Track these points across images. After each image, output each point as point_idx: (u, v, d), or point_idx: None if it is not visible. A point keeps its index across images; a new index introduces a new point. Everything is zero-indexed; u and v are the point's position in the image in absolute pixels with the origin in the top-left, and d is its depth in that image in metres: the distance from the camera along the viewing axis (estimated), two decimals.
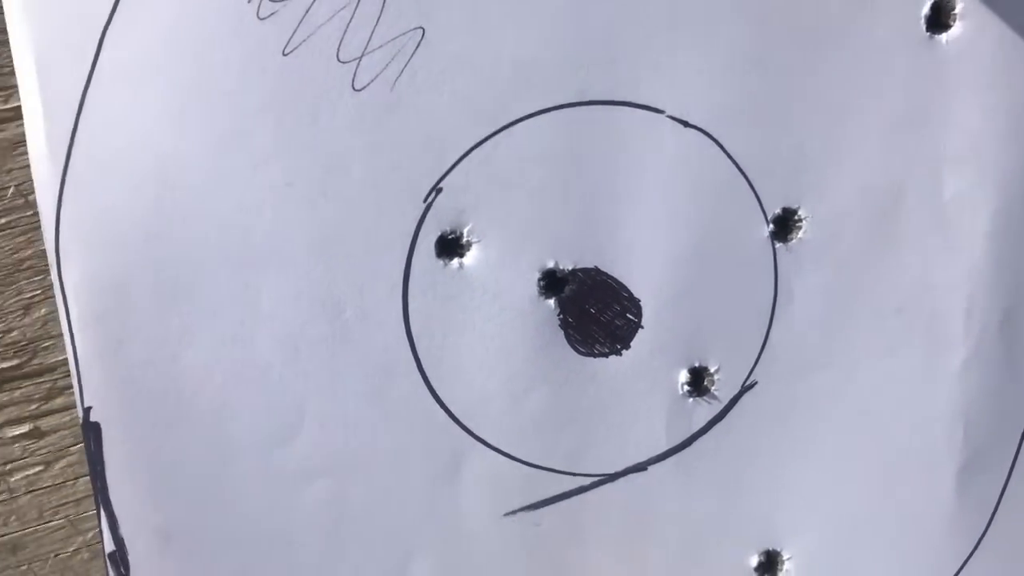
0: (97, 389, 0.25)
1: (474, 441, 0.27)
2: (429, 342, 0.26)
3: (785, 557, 0.30)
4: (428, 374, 0.26)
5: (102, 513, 0.27)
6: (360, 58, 0.23)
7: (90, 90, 0.22)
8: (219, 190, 0.23)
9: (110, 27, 0.22)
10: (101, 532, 0.28)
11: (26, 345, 0.29)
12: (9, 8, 0.22)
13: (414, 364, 0.26)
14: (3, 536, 0.31)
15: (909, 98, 0.26)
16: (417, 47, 0.23)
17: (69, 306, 0.24)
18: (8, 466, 0.30)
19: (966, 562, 0.30)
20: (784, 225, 0.27)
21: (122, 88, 0.22)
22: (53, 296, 0.29)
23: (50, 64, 0.22)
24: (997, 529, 0.30)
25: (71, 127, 0.23)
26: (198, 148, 0.23)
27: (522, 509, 0.28)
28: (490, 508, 0.28)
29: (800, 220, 0.27)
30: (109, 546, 0.27)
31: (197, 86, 0.22)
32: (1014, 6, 0.26)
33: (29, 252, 0.28)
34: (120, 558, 0.27)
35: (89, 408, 0.25)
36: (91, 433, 0.26)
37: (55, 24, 0.22)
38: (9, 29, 0.23)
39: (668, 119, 0.25)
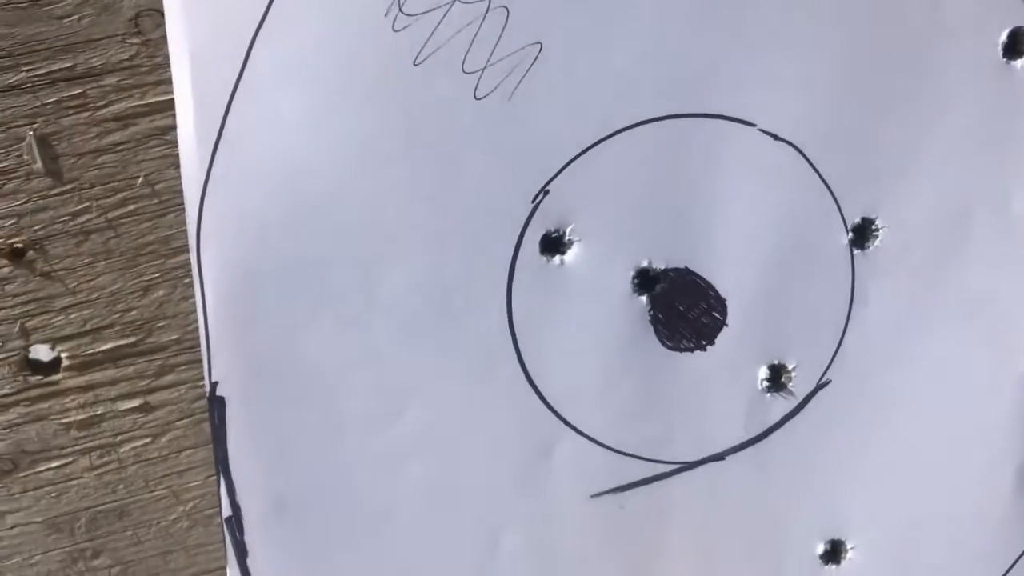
0: (224, 365, 0.27)
1: (565, 427, 0.29)
2: (529, 333, 0.28)
3: (849, 547, 0.32)
4: (526, 363, 0.28)
5: (222, 480, 0.29)
6: (483, 69, 0.25)
7: (239, 88, 0.25)
8: (348, 188, 0.26)
9: (260, 31, 0.24)
10: (220, 499, 0.30)
11: (142, 324, 0.31)
12: (169, 9, 0.24)
13: (514, 353, 0.28)
14: (111, 503, 0.33)
15: (984, 120, 0.28)
16: (534, 61, 0.25)
17: (205, 288, 0.26)
18: (119, 437, 0.33)
19: (1020, 557, 0.32)
20: (862, 234, 0.29)
21: (268, 88, 0.25)
22: (170, 280, 0.31)
23: (204, 62, 0.24)
24: None
25: (219, 122, 0.25)
26: (332, 148, 0.25)
27: (608, 492, 0.30)
28: (578, 490, 0.30)
29: (877, 229, 0.29)
30: (227, 511, 0.29)
31: (335, 90, 0.25)
32: None
33: (152, 238, 0.30)
34: (236, 522, 0.29)
35: (216, 383, 0.27)
36: (216, 406, 0.28)
37: (211, 25, 0.24)
38: (168, 28, 0.25)
39: (759, 132, 0.27)
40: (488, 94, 0.26)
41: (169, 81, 0.27)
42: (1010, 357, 0.30)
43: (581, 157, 0.27)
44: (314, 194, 0.25)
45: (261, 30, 0.24)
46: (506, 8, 0.25)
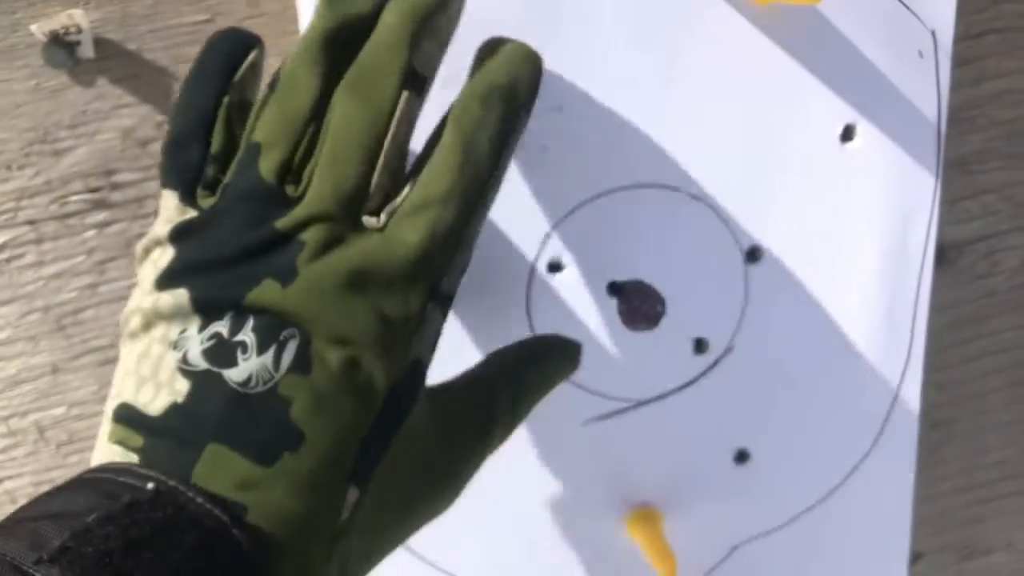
0: None
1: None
2: (539, 316, 0.40)
3: (751, 453, 0.43)
4: (536, 333, 0.40)
5: None
6: (514, 156, 0.39)
7: None
8: None
9: None
10: None
11: None
12: None
13: (530, 331, 0.40)
14: None
15: (827, 178, 0.40)
16: (542, 157, 0.39)
17: None
18: None
19: (863, 459, 0.45)
20: (752, 254, 0.40)
21: None
22: None
23: None
24: (882, 443, 0.45)
25: None
26: None
27: (592, 420, 0.42)
28: (573, 420, 0.41)
29: (761, 251, 0.40)
30: None
31: None
32: (897, 129, 0.40)
33: None
34: None
35: None
36: None
37: None
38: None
39: (685, 195, 0.39)
40: (514, 176, 0.38)
41: None
42: (848, 327, 0.42)
43: (572, 214, 0.39)
44: None
45: None
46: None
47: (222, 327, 0.28)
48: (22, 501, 0.43)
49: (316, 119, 0.29)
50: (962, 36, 0.43)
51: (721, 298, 0.41)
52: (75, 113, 0.39)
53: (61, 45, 0.38)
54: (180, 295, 0.28)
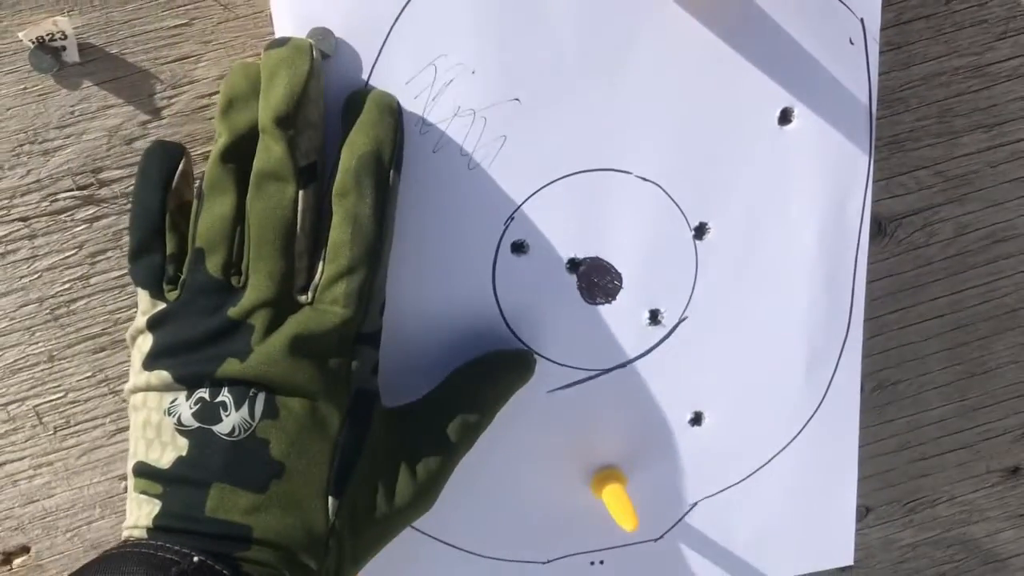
0: None
1: (530, 350, 0.43)
2: (506, 298, 0.42)
3: (706, 415, 0.46)
4: (505, 316, 0.43)
5: None
6: (472, 152, 0.40)
7: None
8: (404, 220, 0.41)
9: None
10: None
11: None
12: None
13: (498, 311, 0.43)
14: None
15: (767, 159, 0.42)
16: (501, 147, 0.40)
17: None
18: None
19: (810, 418, 0.48)
20: (700, 231, 0.43)
21: None
22: None
23: None
24: (826, 404, 0.48)
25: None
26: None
27: (558, 388, 0.44)
28: (540, 388, 0.44)
29: (709, 228, 0.43)
30: None
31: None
32: (831, 111, 0.42)
33: None
34: None
35: None
36: None
37: None
38: None
39: (635, 177, 0.42)
40: (476, 166, 0.40)
41: None
42: (791, 297, 0.45)
43: (531, 198, 0.41)
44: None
45: None
46: (484, 118, 0.40)
47: (204, 393, 0.36)
48: (22, 483, 0.46)
49: (239, 218, 0.36)
50: (892, 22, 0.46)
51: (673, 272, 0.44)
52: (62, 114, 0.42)
53: (47, 50, 0.41)
54: (164, 375, 0.36)
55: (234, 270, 0.36)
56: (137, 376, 0.37)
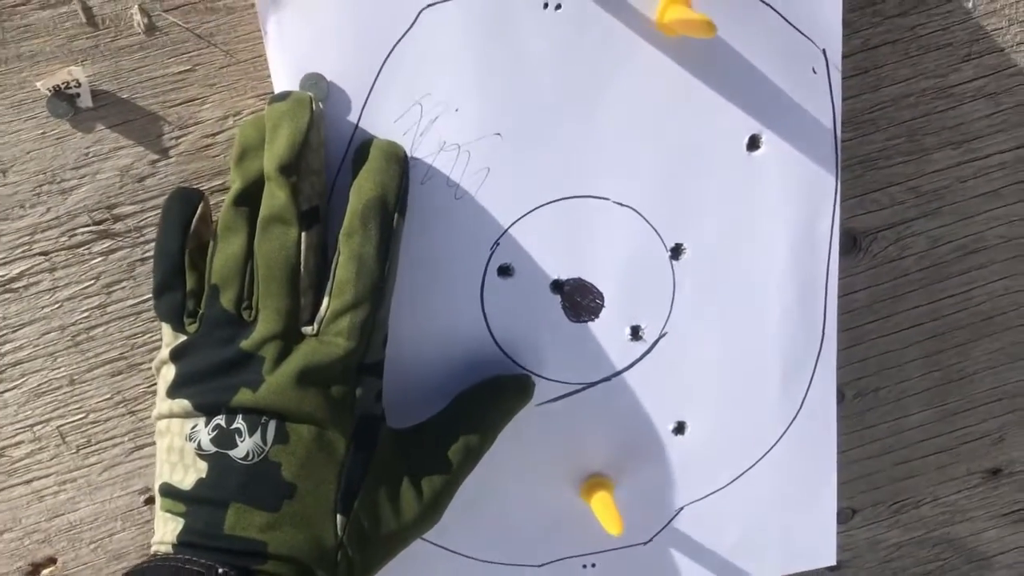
0: None
1: (517, 367, 0.46)
2: (495, 318, 0.45)
3: (688, 425, 0.48)
4: (494, 334, 0.45)
5: None
6: (458, 184, 0.42)
7: (332, 197, 0.44)
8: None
9: (339, 175, 0.43)
10: None
11: None
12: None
13: (487, 330, 0.45)
14: None
15: (737, 184, 0.44)
16: (485, 178, 0.42)
17: None
18: None
19: (790, 425, 0.50)
20: (676, 251, 0.45)
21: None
22: None
23: None
24: (804, 411, 0.50)
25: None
26: None
27: (546, 402, 0.47)
28: (529, 403, 0.46)
29: (684, 248, 0.45)
30: None
31: None
32: (799, 136, 0.45)
33: None
34: None
35: None
36: None
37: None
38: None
39: (612, 203, 0.44)
40: (462, 196, 0.43)
41: None
42: (766, 312, 0.47)
43: (514, 225, 0.44)
44: None
45: (341, 169, 0.43)
46: (468, 152, 0.43)
47: (220, 420, 0.39)
48: (48, 498, 0.49)
49: (250, 257, 0.39)
50: (860, 48, 0.49)
51: (652, 290, 0.47)
52: (78, 156, 0.45)
53: (63, 98, 0.44)
54: (185, 403, 0.39)
55: (245, 304, 0.39)
56: (162, 404, 0.40)
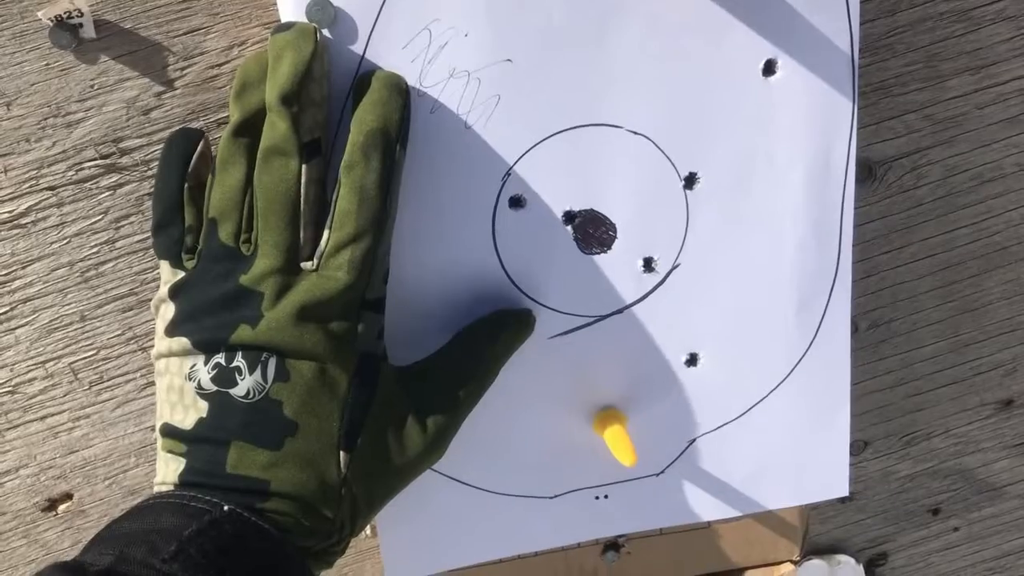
0: None
1: (531, 300, 0.46)
2: (505, 248, 0.45)
3: (701, 356, 0.48)
4: (505, 266, 0.45)
5: None
6: (468, 112, 0.42)
7: (340, 127, 0.43)
8: (404, 179, 0.42)
9: (347, 105, 0.42)
10: None
11: None
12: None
13: (498, 262, 0.45)
14: None
15: (753, 110, 0.44)
16: (496, 106, 0.42)
17: None
18: None
19: (803, 357, 0.50)
20: (690, 180, 0.45)
21: None
22: None
23: None
24: (818, 342, 0.50)
25: (330, 145, 0.43)
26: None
27: (558, 335, 0.47)
28: (540, 335, 0.46)
29: (698, 177, 0.45)
30: None
31: None
32: (815, 61, 0.44)
33: None
34: None
35: None
36: None
37: None
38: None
39: (626, 131, 0.44)
40: (473, 124, 0.42)
41: None
42: (780, 242, 0.46)
43: (526, 155, 0.43)
44: None
45: (349, 97, 0.42)
46: (479, 79, 0.42)
47: (220, 359, 0.38)
48: (63, 435, 0.49)
49: (249, 189, 0.38)
50: None
51: (665, 221, 0.46)
52: (83, 88, 0.44)
53: (65, 28, 0.43)
54: (183, 341, 0.38)
55: (244, 238, 0.39)
56: (160, 343, 0.40)
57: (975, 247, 0.55)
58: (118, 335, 0.49)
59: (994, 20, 0.49)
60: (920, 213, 0.53)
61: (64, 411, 0.50)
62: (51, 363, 0.49)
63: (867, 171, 0.52)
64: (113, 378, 0.50)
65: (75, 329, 0.48)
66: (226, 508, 0.36)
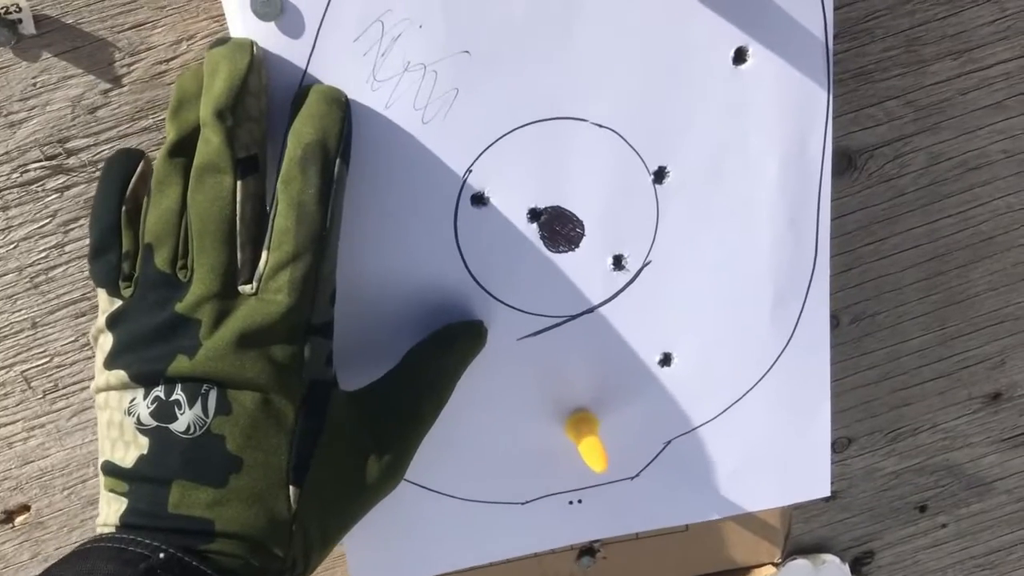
0: None
1: (496, 301, 0.44)
2: (469, 250, 0.43)
3: (675, 356, 0.47)
4: (469, 266, 0.43)
5: None
6: (425, 106, 0.41)
7: None
8: (360, 169, 0.42)
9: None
10: None
11: None
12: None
13: (461, 262, 0.43)
14: None
15: (723, 102, 0.42)
16: (454, 100, 0.40)
17: None
18: None
19: (779, 356, 0.49)
20: (660, 175, 0.43)
21: None
22: None
23: None
24: (796, 338, 0.49)
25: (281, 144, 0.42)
26: (352, 157, 0.41)
27: (526, 336, 0.45)
28: (508, 337, 0.45)
29: (668, 171, 0.43)
30: None
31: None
32: (788, 48, 0.42)
33: None
34: None
35: None
36: None
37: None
38: None
39: (591, 124, 0.42)
40: (430, 120, 0.41)
41: None
42: (755, 236, 0.45)
43: (487, 150, 0.41)
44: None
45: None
46: (435, 72, 0.41)
47: (159, 392, 0.36)
48: (17, 446, 0.47)
49: (185, 212, 0.36)
50: None
51: (634, 217, 0.44)
52: (25, 87, 0.42)
53: (3, 24, 0.41)
54: (121, 375, 0.36)
55: (181, 264, 0.37)
56: (99, 376, 0.38)
57: (961, 237, 0.53)
58: (72, 341, 0.47)
59: (976, 2, 0.47)
60: (903, 203, 0.52)
61: (18, 420, 0.48)
62: (2, 371, 0.47)
63: (847, 161, 0.50)
64: (68, 386, 0.48)
65: (26, 336, 0.47)
66: (163, 555, 0.34)
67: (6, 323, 0.46)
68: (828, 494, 0.52)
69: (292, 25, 0.39)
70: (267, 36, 0.39)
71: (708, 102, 0.43)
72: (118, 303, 0.37)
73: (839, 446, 0.57)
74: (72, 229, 0.45)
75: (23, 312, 0.46)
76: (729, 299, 0.47)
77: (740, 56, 0.42)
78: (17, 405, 0.48)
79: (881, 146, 0.50)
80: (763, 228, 0.46)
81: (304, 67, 0.39)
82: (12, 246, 0.45)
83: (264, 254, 0.36)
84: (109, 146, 0.44)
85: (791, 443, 0.51)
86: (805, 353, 0.48)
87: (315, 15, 0.39)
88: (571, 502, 0.50)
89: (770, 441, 0.50)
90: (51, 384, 0.48)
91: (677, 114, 0.43)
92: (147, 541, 0.35)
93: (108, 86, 0.43)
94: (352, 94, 0.40)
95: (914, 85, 0.49)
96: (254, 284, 0.37)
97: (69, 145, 0.44)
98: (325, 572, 0.56)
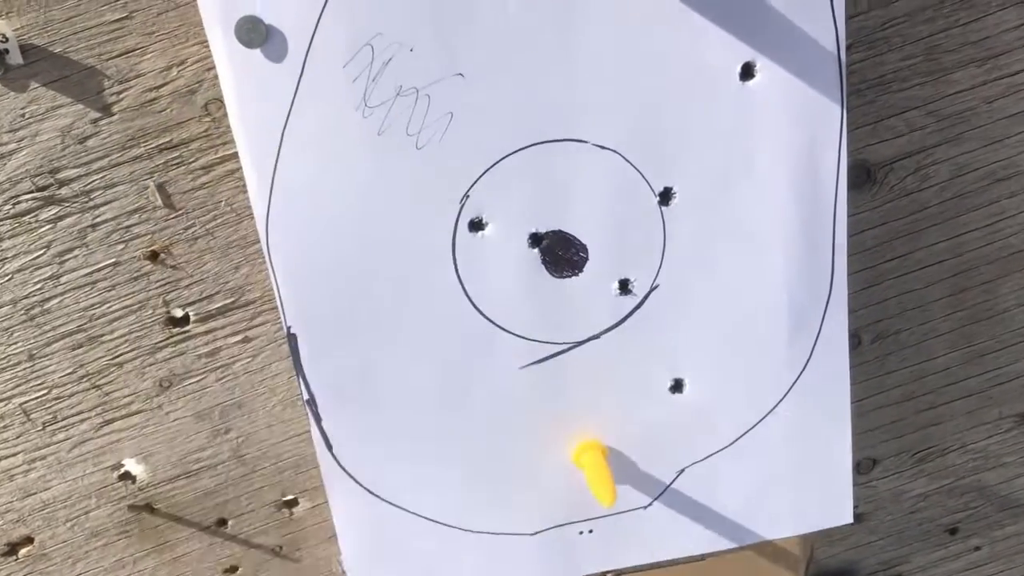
0: (293, 313, 0.41)
1: (498, 329, 0.43)
2: (468, 277, 0.42)
3: (687, 382, 0.45)
4: (469, 294, 0.42)
5: (300, 379, 0.45)
6: (419, 132, 0.40)
7: (281, 149, 0.40)
8: (346, 202, 0.41)
9: (288, 121, 0.40)
10: (300, 387, 0.44)
11: (237, 289, 0.47)
12: (228, 99, 0.38)
13: (462, 291, 0.42)
14: (232, 399, 0.48)
15: (731, 117, 0.40)
16: (449, 125, 0.40)
17: (274, 264, 0.41)
18: (232, 359, 0.47)
19: (796, 381, 0.47)
20: (665, 197, 0.42)
21: (296, 152, 0.40)
22: (251, 260, 0.44)
23: (253, 135, 0.39)
24: (814, 360, 0.47)
25: (271, 169, 0.40)
26: (335, 179, 0.39)
27: (530, 364, 0.44)
28: (511, 366, 0.44)
29: (674, 193, 0.42)
30: (305, 395, 0.44)
31: (334, 153, 0.39)
32: (798, 61, 0.40)
33: (235, 237, 0.45)
34: (312, 403, 0.44)
35: (289, 325, 0.43)
36: (291, 339, 0.42)
37: (256, 114, 0.39)
38: (228, 110, 0.39)
39: (592, 145, 0.40)
40: (425, 145, 0.39)
41: (233, 143, 0.42)
42: (768, 256, 0.43)
43: (485, 175, 0.40)
44: (330, 204, 0.40)
45: (289, 120, 0.40)
46: (428, 96, 0.40)
47: None
48: (19, 478, 0.46)
49: None
50: None
51: (640, 240, 0.43)
52: (13, 118, 0.42)
53: None
54: None
55: None
56: None
57: (987, 251, 0.50)
58: (69, 373, 0.46)
59: (1001, 6, 0.45)
60: (926, 217, 0.49)
61: (18, 453, 0.48)
62: (1, 404, 0.47)
63: (865, 174, 0.48)
64: (67, 417, 0.47)
65: (24, 368, 0.46)
66: None
67: (3, 356, 0.46)
68: (851, 520, 0.50)
69: (278, 52, 0.37)
70: (252, 64, 0.37)
71: (715, 120, 0.41)
72: None
73: (863, 467, 0.55)
74: (67, 260, 0.44)
75: (19, 344, 0.45)
76: (742, 322, 0.45)
77: (747, 71, 0.41)
78: (17, 438, 0.47)
79: (902, 158, 0.48)
80: (776, 248, 0.44)
81: (292, 95, 0.38)
82: (7, 278, 0.44)
83: None
84: (100, 176, 0.43)
85: (810, 469, 0.48)
86: (824, 376, 0.46)
87: (302, 41, 0.37)
88: (581, 532, 0.48)
89: (788, 467, 0.48)
90: (50, 416, 0.47)
91: (682, 133, 0.41)
92: None
93: (98, 115, 0.42)
94: (343, 121, 0.39)
95: (936, 94, 0.47)
96: None
97: (61, 175, 0.43)
98: (324, 572, 0.55)
